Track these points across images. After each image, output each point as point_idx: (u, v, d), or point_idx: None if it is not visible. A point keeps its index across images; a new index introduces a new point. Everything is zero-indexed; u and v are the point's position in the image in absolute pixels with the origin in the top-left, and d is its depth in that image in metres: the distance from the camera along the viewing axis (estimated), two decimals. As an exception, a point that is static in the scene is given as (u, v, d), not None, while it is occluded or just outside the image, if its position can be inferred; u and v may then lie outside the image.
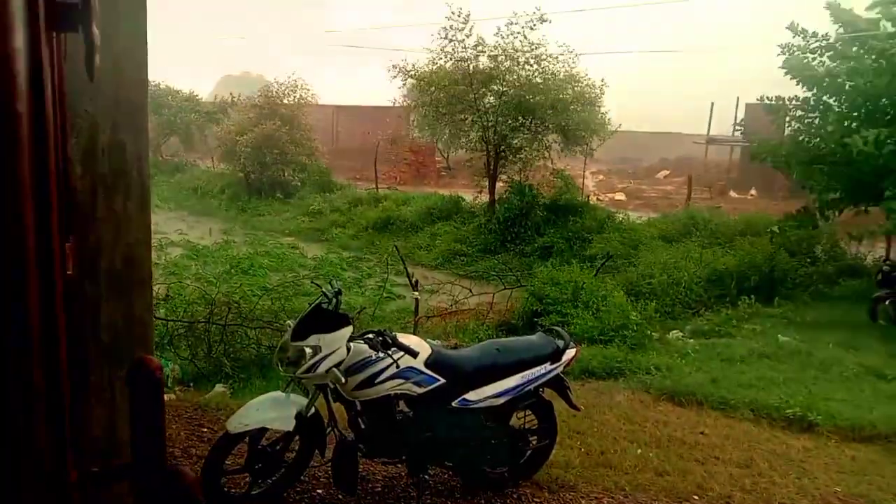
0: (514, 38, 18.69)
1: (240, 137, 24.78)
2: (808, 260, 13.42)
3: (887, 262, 10.93)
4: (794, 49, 12.05)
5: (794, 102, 12.74)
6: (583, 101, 19.50)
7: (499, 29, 18.81)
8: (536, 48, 18.81)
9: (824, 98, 11.98)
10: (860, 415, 6.24)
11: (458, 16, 18.58)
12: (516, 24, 18.48)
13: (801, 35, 12.00)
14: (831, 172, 11.73)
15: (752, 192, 26.78)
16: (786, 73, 12.17)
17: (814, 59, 12.04)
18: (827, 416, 6.15)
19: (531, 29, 18.50)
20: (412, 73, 20.03)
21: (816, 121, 12.38)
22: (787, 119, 13.35)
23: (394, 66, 20.07)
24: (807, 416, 6.14)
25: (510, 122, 19.04)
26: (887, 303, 10.40)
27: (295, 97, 26.86)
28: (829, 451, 5.58)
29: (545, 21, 18.31)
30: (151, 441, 1.33)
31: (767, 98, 12.93)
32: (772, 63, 12.39)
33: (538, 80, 18.82)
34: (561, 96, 18.79)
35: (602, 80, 20.16)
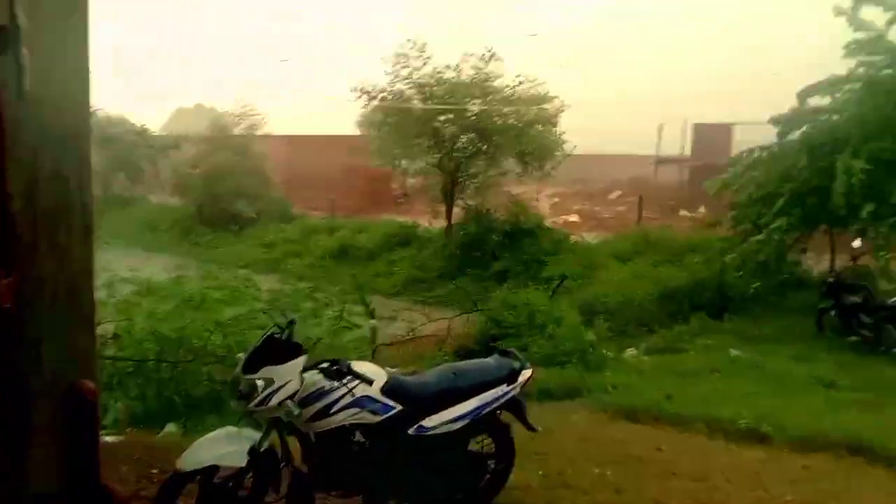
0: (470, 72, 19.31)
1: (192, 171, 24.56)
2: (755, 275, 13.67)
3: (832, 274, 11.20)
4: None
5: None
6: (540, 122, 19.74)
7: (455, 65, 19.47)
8: (489, 81, 19.36)
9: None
10: (812, 424, 6.34)
11: (414, 45, 19.04)
12: (470, 58, 19.20)
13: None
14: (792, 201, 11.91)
15: (702, 209, 27.44)
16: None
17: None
18: (779, 428, 6.24)
19: (485, 63, 19.17)
20: (373, 94, 20.13)
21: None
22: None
23: (357, 88, 20.13)
24: (759, 428, 6.23)
25: (469, 147, 19.30)
26: (832, 314, 10.64)
27: (245, 125, 26.79)
28: (782, 462, 5.66)
29: (496, 58, 19.10)
30: (86, 461, 1.32)
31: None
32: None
33: (490, 110, 19.18)
34: (516, 122, 19.15)
35: (562, 101, 20.31)
